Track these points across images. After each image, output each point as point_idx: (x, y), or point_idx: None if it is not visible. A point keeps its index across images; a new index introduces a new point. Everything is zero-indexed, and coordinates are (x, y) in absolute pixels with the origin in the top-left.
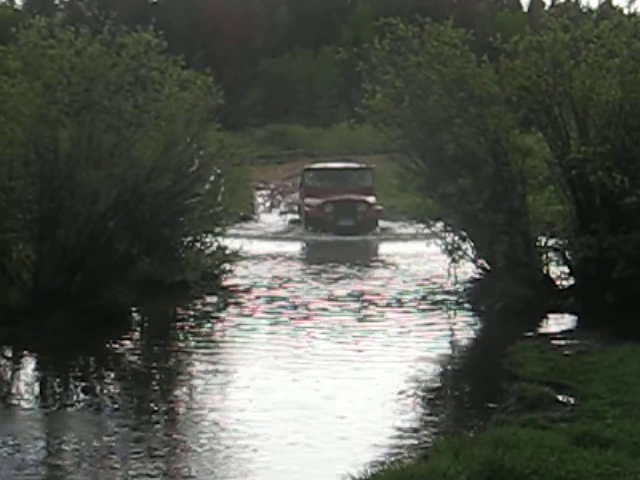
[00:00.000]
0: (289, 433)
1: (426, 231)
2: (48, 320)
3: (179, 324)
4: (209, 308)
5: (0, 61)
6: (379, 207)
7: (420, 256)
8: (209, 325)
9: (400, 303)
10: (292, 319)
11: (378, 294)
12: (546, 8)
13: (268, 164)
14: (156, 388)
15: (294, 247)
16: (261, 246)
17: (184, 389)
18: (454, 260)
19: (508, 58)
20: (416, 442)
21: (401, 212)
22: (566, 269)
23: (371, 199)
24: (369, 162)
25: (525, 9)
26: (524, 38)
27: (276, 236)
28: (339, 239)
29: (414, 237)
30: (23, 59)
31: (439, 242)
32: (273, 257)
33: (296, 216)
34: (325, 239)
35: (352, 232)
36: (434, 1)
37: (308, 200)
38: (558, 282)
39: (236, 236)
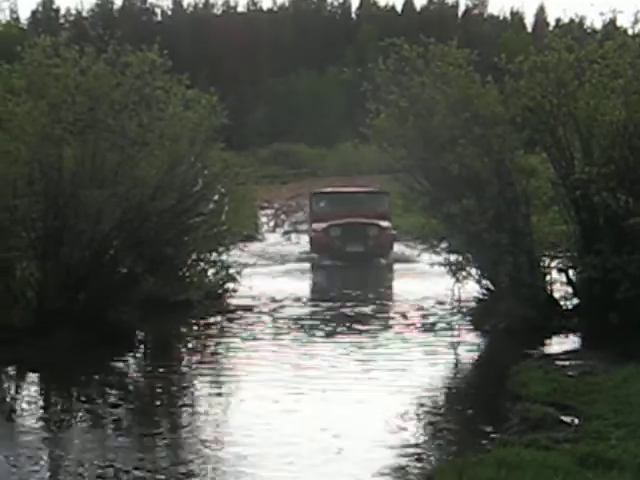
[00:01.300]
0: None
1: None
2: (52, 339)
3: (183, 343)
4: (212, 327)
5: (5, 80)
6: (393, 232)
7: (424, 276)
8: (212, 344)
9: (404, 323)
10: (296, 339)
11: (382, 314)
12: (550, 29)
13: (272, 183)
14: (159, 408)
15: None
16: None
17: (187, 409)
18: (458, 280)
19: (512, 78)
20: (419, 463)
21: (405, 232)
22: (570, 289)
23: (384, 223)
24: (373, 182)
25: (529, 30)
26: (528, 58)
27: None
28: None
29: (416, 259)
30: (28, 78)
31: (443, 262)
32: (279, 278)
33: (306, 248)
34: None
35: (362, 259)
36: (438, 22)
37: (315, 225)
38: (562, 302)
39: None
